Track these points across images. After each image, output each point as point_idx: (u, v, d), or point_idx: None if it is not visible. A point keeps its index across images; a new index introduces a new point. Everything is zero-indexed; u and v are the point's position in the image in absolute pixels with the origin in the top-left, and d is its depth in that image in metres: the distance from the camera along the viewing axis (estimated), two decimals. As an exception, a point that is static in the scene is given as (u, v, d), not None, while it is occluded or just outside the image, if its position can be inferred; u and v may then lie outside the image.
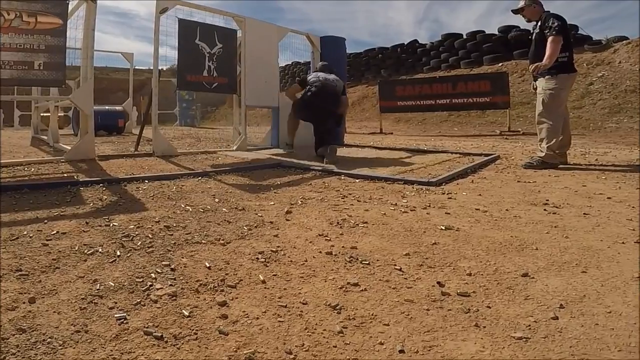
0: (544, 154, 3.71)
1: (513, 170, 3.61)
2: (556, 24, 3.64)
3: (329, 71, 4.66)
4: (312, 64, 6.27)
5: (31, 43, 3.54)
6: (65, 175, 3.00)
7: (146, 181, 2.78)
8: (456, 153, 4.92)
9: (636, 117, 9.05)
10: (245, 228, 1.81)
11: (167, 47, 6.83)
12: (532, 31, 4.04)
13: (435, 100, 9.44)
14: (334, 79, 4.51)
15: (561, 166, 3.72)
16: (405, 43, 16.25)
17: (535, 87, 4.00)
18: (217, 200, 2.34)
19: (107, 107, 8.08)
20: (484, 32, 13.73)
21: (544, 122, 3.76)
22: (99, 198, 2.32)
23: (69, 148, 4.56)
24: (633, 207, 2.25)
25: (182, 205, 2.18)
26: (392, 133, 10.07)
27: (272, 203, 2.30)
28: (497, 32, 13.56)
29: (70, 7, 3.87)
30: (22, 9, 3.48)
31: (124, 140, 6.86)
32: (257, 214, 2.07)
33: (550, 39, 3.62)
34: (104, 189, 2.51)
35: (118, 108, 8.30)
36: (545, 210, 2.19)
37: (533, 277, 1.33)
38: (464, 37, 14.25)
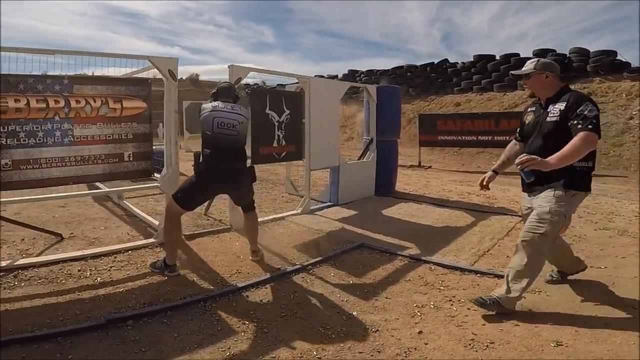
0: (510, 295, 2.76)
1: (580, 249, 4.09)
2: (595, 113, 2.61)
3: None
4: (366, 114, 6.70)
5: (119, 133, 3.66)
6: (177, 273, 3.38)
7: (260, 287, 3.22)
8: (516, 215, 5.36)
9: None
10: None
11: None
12: (535, 110, 2.98)
13: (477, 136, 9.86)
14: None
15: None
16: (435, 62, 16.71)
17: (485, 182, 3.13)
18: (343, 317, 2.79)
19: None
20: (518, 55, 14.26)
21: (532, 256, 2.72)
22: (240, 321, 2.69)
23: (141, 213, 4.94)
24: None
25: (322, 330, 2.60)
26: (430, 167, 10.48)
27: (394, 317, 2.77)
28: (532, 56, 13.83)
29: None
30: (108, 94, 3.56)
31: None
32: (392, 336, 2.53)
33: (582, 134, 2.54)
34: (233, 303, 2.94)
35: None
36: None
37: None
38: (497, 59, 14.62)
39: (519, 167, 2.58)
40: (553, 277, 3.26)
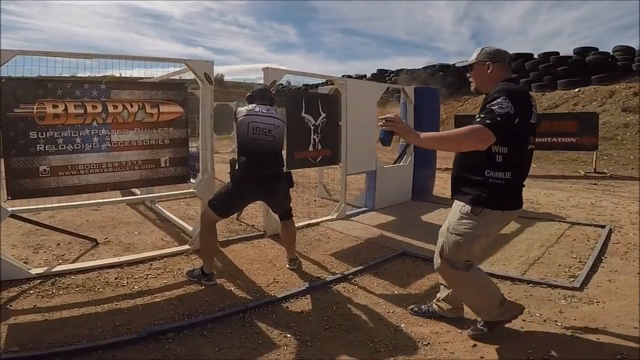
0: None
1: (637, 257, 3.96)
2: (505, 111, 2.08)
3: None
4: (403, 116, 6.60)
5: (156, 138, 3.66)
6: (211, 283, 3.31)
7: (299, 297, 3.15)
8: (564, 222, 5.22)
9: None
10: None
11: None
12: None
13: (519, 138, 9.60)
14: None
15: None
16: (470, 62, 16.30)
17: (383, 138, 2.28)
18: (391, 330, 2.70)
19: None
20: (557, 53, 13.85)
21: (455, 289, 2.61)
22: (281, 334, 2.61)
23: (174, 218, 4.94)
24: None
25: (370, 344, 2.51)
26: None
27: (445, 330, 2.67)
28: (572, 54, 13.46)
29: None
30: (145, 98, 3.55)
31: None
32: (445, 349, 2.44)
33: (473, 126, 2.11)
34: (273, 315, 2.88)
35: (194, 149, 8.65)
36: None
37: None
38: (535, 57, 14.26)
39: (380, 123, 2.24)
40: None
